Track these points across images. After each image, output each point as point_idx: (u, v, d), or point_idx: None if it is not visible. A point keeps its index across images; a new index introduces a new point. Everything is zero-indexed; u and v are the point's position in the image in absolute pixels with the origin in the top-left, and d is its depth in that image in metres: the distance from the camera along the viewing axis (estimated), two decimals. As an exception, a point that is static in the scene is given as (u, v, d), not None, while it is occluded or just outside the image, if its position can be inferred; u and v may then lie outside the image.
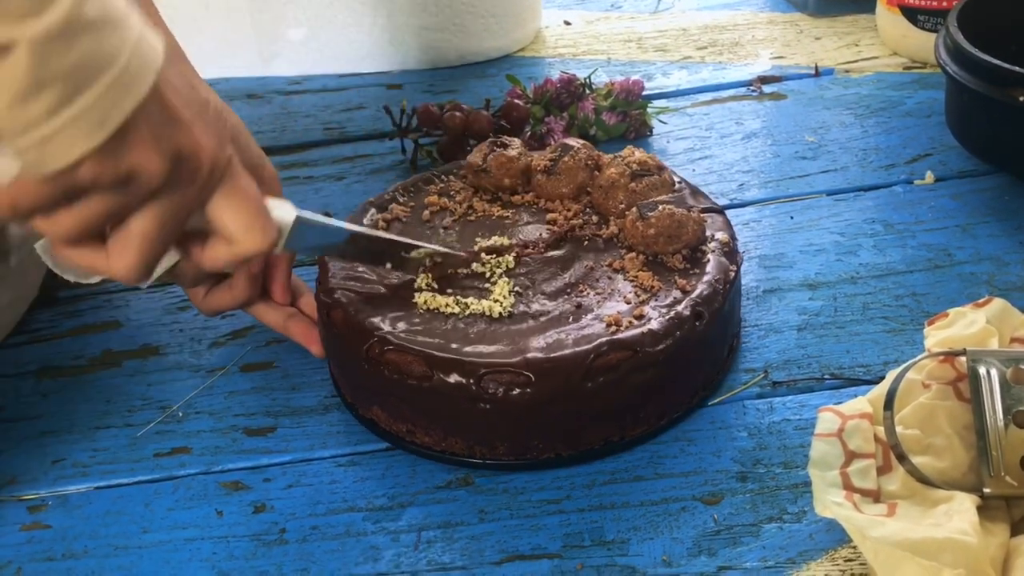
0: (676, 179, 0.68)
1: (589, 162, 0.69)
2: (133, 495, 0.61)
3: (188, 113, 0.48)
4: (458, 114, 0.85)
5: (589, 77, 0.90)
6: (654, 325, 0.57)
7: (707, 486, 0.57)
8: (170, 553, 0.57)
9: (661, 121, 0.90)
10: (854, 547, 0.52)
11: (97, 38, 0.43)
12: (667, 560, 0.53)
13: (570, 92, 0.89)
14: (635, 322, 0.58)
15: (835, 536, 0.53)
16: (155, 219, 0.49)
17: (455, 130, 0.85)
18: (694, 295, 0.59)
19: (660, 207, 0.63)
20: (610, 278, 0.62)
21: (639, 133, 0.88)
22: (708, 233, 0.64)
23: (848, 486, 0.51)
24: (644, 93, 0.89)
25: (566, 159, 0.69)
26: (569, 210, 0.68)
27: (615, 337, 0.56)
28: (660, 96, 0.94)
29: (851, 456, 0.53)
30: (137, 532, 0.58)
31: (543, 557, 0.54)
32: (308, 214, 0.58)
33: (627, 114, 0.88)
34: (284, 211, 0.56)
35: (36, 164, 0.44)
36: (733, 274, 0.62)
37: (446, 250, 0.64)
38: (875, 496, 0.51)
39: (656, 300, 0.59)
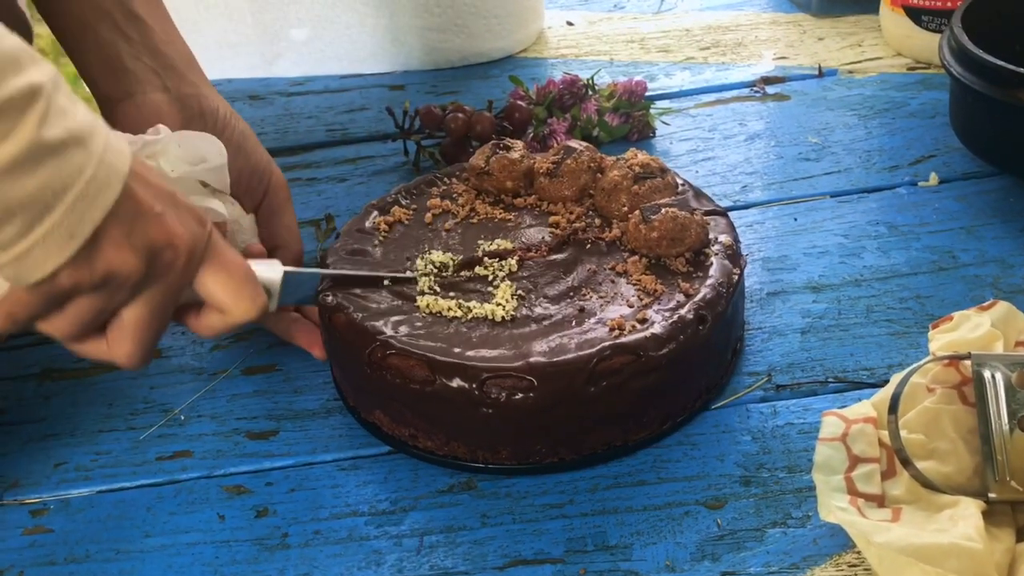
0: (679, 181, 0.68)
1: (592, 164, 0.69)
2: (135, 499, 0.61)
3: (159, 206, 0.50)
4: (460, 115, 0.85)
5: (592, 78, 0.90)
6: (657, 329, 0.57)
7: (710, 490, 0.57)
8: (172, 557, 0.57)
9: (664, 122, 0.89)
10: (858, 552, 0.51)
11: (60, 160, 0.45)
12: (670, 565, 0.53)
13: (573, 93, 0.89)
14: (638, 326, 0.57)
15: (839, 541, 0.53)
16: (145, 308, 0.52)
17: (458, 131, 0.85)
18: (697, 299, 0.59)
19: (663, 210, 0.63)
20: (613, 282, 0.62)
21: (642, 134, 0.88)
22: (711, 236, 0.64)
23: (852, 491, 0.51)
24: (647, 94, 0.88)
25: (569, 161, 0.68)
26: (572, 213, 0.67)
27: (618, 341, 0.56)
28: (663, 97, 0.93)
29: (855, 461, 0.52)
30: (139, 536, 0.58)
31: (546, 562, 0.54)
32: (294, 269, 0.60)
33: (630, 115, 0.87)
34: (272, 272, 0.58)
35: (16, 278, 0.47)
36: (736, 277, 0.61)
37: (396, 274, 0.63)
38: (879, 501, 0.51)
39: (659, 304, 0.59)
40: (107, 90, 0.66)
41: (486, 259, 0.64)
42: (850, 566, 0.52)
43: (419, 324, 0.59)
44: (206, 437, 0.64)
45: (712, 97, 0.93)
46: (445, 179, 0.72)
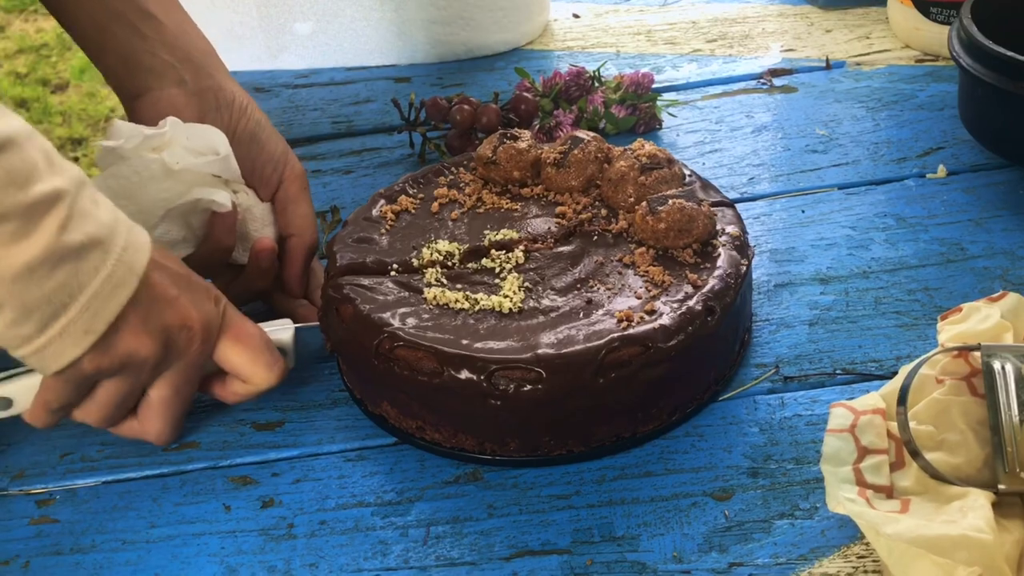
0: (686, 172, 0.68)
1: (599, 155, 0.69)
2: (141, 490, 0.60)
3: (175, 290, 0.54)
4: (466, 107, 0.85)
5: (598, 70, 0.90)
6: (665, 320, 0.57)
7: (718, 482, 0.56)
8: (178, 548, 0.57)
9: (671, 114, 0.89)
10: (867, 544, 0.51)
11: (78, 262, 0.49)
12: (677, 556, 0.53)
13: (579, 85, 0.88)
14: (646, 317, 0.57)
15: (848, 532, 0.52)
16: (168, 386, 0.56)
17: (463, 123, 0.84)
18: (705, 290, 0.59)
19: (670, 201, 0.62)
20: (620, 273, 0.62)
21: (648, 126, 0.88)
22: (719, 227, 0.64)
23: (861, 482, 0.51)
24: (654, 86, 0.88)
25: (576, 152, 0.68)
26: (578, 203, 0.67)
27: (626, 333, 0.56)
28: (670, 89, 0.93)
29: (864, 452, 0.52)
30: (145, 527, 0.58)
31: (552, 553, 0.54)
32: (305, 324, 0.64)
33: (636, 107, 0.87)
34: (284, 332, 0.62)
35: (40, 368, 0.51)
36: (744, 268, 0.61)
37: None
38: (888, 492, 0.51)
39: (667, 295, 0.59)
40: (126, 87, 0.66)
41: (493, 250, 0.64)
42: (859, 557, 0.52)
43: (426, 316, 0.59)
44: (212, 428, 0.64)
45: (719, 89, 0.93)
46: (453, 168, 0.72)
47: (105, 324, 0.50)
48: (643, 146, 0.68)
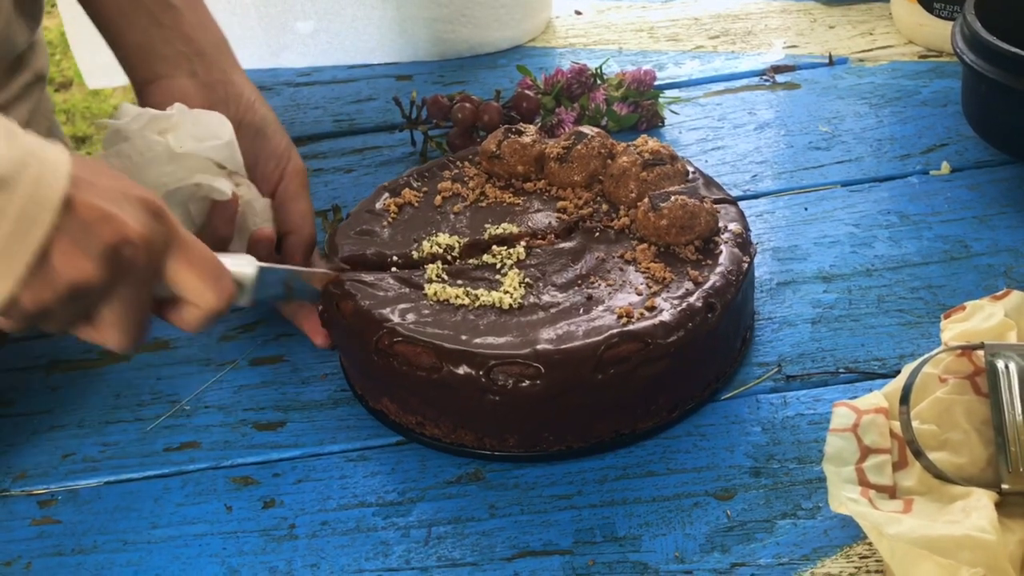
0: (690, 169, 0.68)
1: (602, 150, 0.68)
2: (143, 490, 0.60)
3: (109, 207, 0.50)
4: (468, 105, 0.84)
5: (600, 67, 0.89)
6: (666, 317, 0.56)
7: (720, 481, 0.56)
8: (179, 548, 0.56)
9: (673, 111, 0.89)
10: (869, 544, 0.51)
11: None
12: (679, 556, 0.53)
13: (581, 82, 0.88)
14: (646, 313, 0.57)
15: (850, 532, 0.52)
16: (119, 304, 0.52)
17: (465, 121, 0.84)
18: (706, 286, 0.58)
19: (672, 198, 0.62)
20: (622, 269, 0.61)
21: (651, 124, 0.87)
22: (721, 224, 0.63)
23: (864, 482, 0.51)
24: (656, 83, 0.88)
25: (579, 147, 0.68)
26: (580, 198, 0.67)
27: (626, 329, 0.56)
28: (672, 86, 0.93)
29: (866, 452, 0.52)
30: (146, 527, 0.58)
31: (554, 553, 0.54)
32: (272, 265, 0.59)
33: (639, 104, 0.87)
34: (247, 267, 0.57)
35: None
36: (746, 265, 0.61)
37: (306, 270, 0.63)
38: (891, 492, 0.51)
39: (668, 291, 0.59)
40: (140, 73, 0.68)
41: (494, 246, 0.64)
42: (861, 557, 0.51)
43: (426, 312, 0.59)
44: (213, 428, 0.64)
45: (721, 86, 0.92)
46: (457, 163, 0.72)
47: (24, 265, 0.47)
48: (646, 142, 0.67)
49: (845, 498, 0.49)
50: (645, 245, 0.63)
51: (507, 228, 0.65)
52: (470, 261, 0.63)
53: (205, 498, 0.59)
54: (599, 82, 0.88)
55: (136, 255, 0.50)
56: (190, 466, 0.61)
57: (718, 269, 0.60)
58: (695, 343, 0.57)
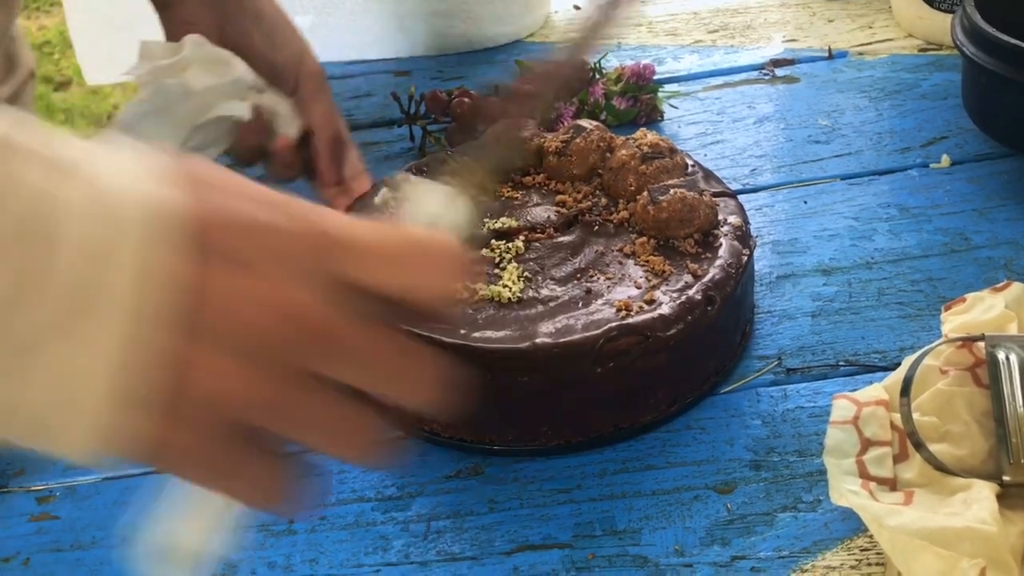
0: (689, 162, 0.67)
1: (601, 144, 0.68)
2: (141, 485, 0.60)
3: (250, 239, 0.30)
4: (467, 100, 0.84)
5: (599, 62, 0.89)
6: (665, 310, 0.56)
7: (720, 475, 0.56)
8: (178, 544, 0.56)
9: (672, 106, 0.88)
10: (870, 537, 0.51)
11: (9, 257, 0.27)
12: (679, 550, 0.52)
13: (580, 77, 0.88)
14: (645, 307, 0.57)
15: (851, 525, 0.52)
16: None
17: (464, 116, 0.84)
18: (705, 279, 0.58)
19: (672, 191, 0.62)
20: (621, 263, 0.61)
21: (650, 118, 0.87)
22: (720, 217, 0.63)
23: (864, 474, 0.50)
24: (655, 77, 0.88)
25: (578, 140, 0.68)
26: (579, 192, 0.67)
27: (625, 322, 0.55)
28: (671, 80, 0.92)
29: (867, 444, 0.52)
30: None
31: (554, 547, 0.53)
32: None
33: (638, 99, 0.86)
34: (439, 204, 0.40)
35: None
36: (746, 258, 0.61)
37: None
38: (892, 484, 0.50)
39: (667, 285, 0.59)
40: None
41: (493, 240, 0.64)
42: (862, 550, 0.51)
43: None
44: (212, 423, 0.64)
45: (720, 80, 0.92)
46: (457, 157, 0.72)
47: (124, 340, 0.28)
48: (645, 135, 0.67)
49: (846, 490, 0.49)
50: (644, 239, 0.62)
51: (506, 222, 0.65)
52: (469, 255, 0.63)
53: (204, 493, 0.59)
54: (598, 76, 0.88)
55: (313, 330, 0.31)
56: (188, 461, 0.61)
57: (717, 262, 0.60)
58: (694, 336, 0.57)
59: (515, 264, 0.61)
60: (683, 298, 0.57)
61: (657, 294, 0.58)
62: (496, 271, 0.61)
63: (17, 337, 0.27)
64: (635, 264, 0.61)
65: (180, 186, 0.29)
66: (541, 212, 0.66)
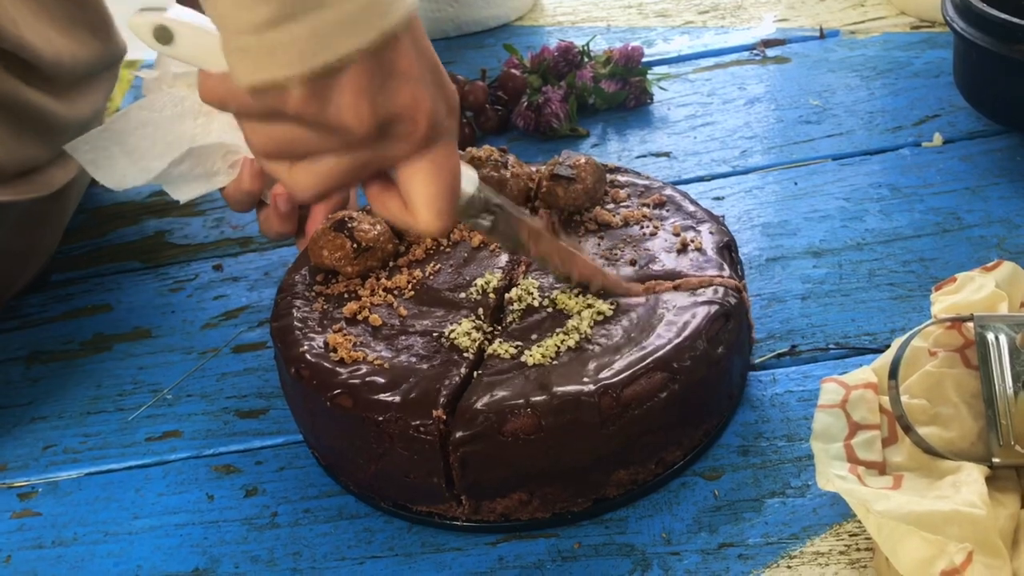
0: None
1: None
2: (124, 481, 0.60)
3: (417, 71, 0.44)
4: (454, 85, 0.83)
5: (587, 44, 0.88)
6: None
7: (707, 460, 0.55)
8: (161, 539, 0.56)
9: (662, 88, 0.87)
10: (859, 522, 0.50)
11: None
12: (666, 537, 0.52)
13: (568, 60, 0.87)
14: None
15: (840, 510, 0.51)
16: (348, 165, 0.46)
17: (450, 102, 0.83)
18: (656, 356, 0.52)
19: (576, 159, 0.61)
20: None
21: (639, 101, 0.86)
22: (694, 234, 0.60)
23: (852, 458, 0.49)
24: (644, 60, 0.86)
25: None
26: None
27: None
28: (661, 62, 0.91)
29: (855, 428, 0.51)
30: (128, 518, 0.57)
31: (539, 536, 0.53)
32: (489, 190, 0.53)
33: (627, 81, 0.85)
34: (468, 184, 0.51)
35: (241, 72, 0.42)
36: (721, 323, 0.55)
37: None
38: (880, 468, 0.50)
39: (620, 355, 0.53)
40: None
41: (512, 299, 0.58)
42: (851, 535, 0.50)
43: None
44: (195, 416, 0.63)
45: (711, 61, 0.91)
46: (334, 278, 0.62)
47: (335, 56, 0.41)
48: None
49: (833, 475, 0.48)
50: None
51: (489, 279, 0.59)
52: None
53: (187, 487, 0.59)
54: (586, 60, 0.87)
55: (411, 136, 0.45)
56: (172, 455, 0.61)
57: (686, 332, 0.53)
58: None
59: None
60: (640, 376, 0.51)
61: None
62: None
63: None
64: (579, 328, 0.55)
65: None
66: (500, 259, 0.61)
